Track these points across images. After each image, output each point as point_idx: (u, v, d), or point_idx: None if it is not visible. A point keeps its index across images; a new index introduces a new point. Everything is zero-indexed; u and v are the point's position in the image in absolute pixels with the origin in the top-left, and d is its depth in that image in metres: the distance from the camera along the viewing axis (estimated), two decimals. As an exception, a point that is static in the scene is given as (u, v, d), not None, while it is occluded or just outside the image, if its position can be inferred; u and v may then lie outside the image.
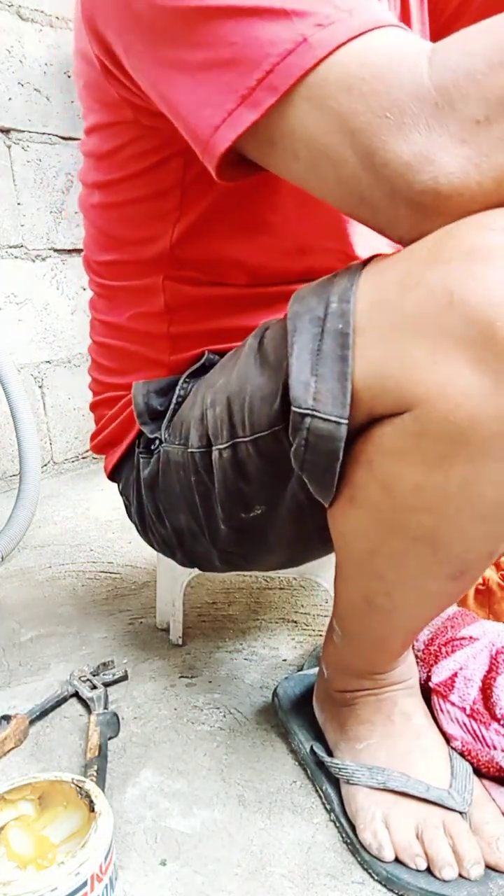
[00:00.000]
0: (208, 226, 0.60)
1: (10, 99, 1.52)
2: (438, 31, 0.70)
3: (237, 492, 0.56)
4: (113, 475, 0.77)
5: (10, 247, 1.59)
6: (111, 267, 0.68)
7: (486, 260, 0.37)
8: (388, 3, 0.63)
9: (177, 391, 0.64)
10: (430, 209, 0.39)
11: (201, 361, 0.64)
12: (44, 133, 1.61)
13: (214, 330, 0.65)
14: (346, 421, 0.42)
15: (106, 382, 0.73)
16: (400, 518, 0.45)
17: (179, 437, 0.61)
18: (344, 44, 0.40)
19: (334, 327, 0.43)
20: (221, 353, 0.63)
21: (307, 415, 0.43)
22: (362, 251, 0.63)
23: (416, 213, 0.40)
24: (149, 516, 0.70)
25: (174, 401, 0.63)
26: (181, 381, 0.64)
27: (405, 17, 0.66)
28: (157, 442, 0.64)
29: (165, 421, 0.64)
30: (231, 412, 0.53)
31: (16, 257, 1.61)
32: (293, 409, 0.44)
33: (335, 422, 0.43)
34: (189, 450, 0.59)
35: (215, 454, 0.56)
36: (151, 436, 0.65)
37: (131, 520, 0.76)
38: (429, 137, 0.38)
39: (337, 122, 0.41)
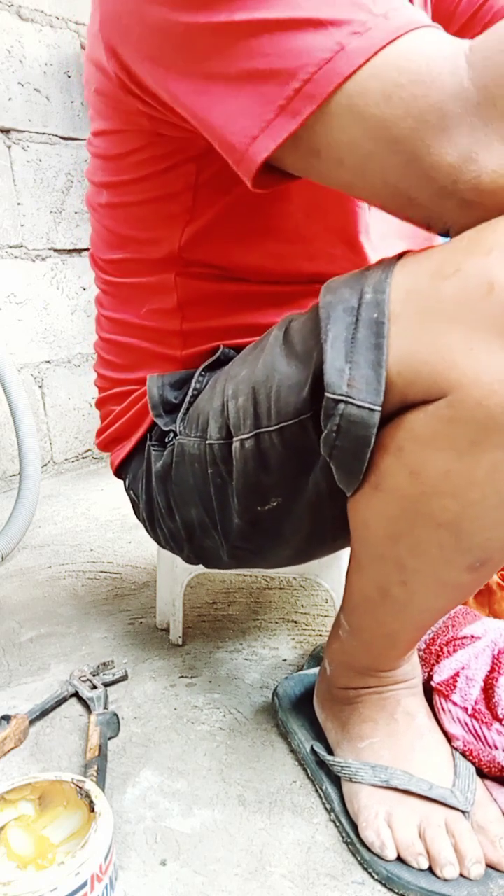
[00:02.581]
0: (217, 230, 0.60)
1: (10, 99, 1.53)
2: None
3: (256, 483, 0.56)
4: (119, 471, 0.76)
5: (10, 247, 1.59)
6: (119, 265, 0.68)
7: None
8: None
9: (192, 384, 0.64)
10: (476, 205, 0.40)
11: (217, 355, 0.64)
12: (44, 133, 1.61)
13: (227, 326, 0.65)
14: (379, 408, 0.43)
15: (114, 378, 0.73)
16: (426, 504, 0.45)
17: (196, 429, 0.61)
18: (381, 49, 0.40)
19: (369, 317, 0.43)
20: (237, 348, 0.63)
21: (341, 401, 0.44)
22: (369, 257, 0.63)
23: (462, 208, 0.41)
24: (158, 511, 0.69)
25: (190, 393, 0.63)
26: (197, 374, 0.64)
27: None
28: (172, 435, 0.64)
29: (181, 413, 0.64)
30: (256, 402, 0.53)
31: (16, 257, 1.61)
32: (327, 394, 0.44)
33: (369, 408, 0.43)
34: (207, 441, 0.59)
35: (236, 445, 0.56)
36: (166, 428, 0.65)
37: (138, 516, 0.76)
38: (472, 137, 0.38)
39: (380, 130, 0.41)
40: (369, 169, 0.43)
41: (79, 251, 1.73)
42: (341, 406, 0.44)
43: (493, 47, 0.38)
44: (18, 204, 1.59)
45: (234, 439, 0.56)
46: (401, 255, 0.46)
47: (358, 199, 0.46)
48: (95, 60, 0.57)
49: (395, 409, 0.44)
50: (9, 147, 1.55)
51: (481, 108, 0.38)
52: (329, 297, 0.46)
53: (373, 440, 0.44)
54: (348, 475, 0.48)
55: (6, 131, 1.54)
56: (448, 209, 0.42)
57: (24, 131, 1.57)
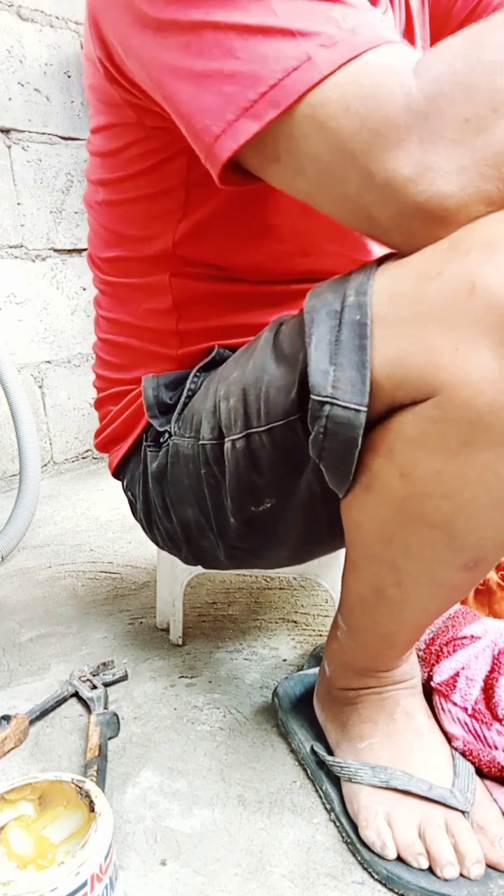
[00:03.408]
0: (212, 227, 0.61)
1: (10, 99, 1.53)
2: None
3: (248, 484, 0.56)
4: (117, 472, 0.77)
5: (10, 247, 1.59)
6: (115, 263, 0.68)
7: None
8: (392, 22, 0.63)
9: (188, 384, 0.64)
10: (440, 216, 0.40)
11: (212, 356, 0.64)
12: (44, 133, 1.61)
13: (222, 326, 0.65)
14: (364, 408, 0.43)
15: (112, 378, 0.74)
16: (418, 505, 0.45)
17: (190, 430, 0.61)
18: (345, 63, 0.41)
19: (352, 318, 0.43)
20: (232, 349, 0.64)
21: (326, 402, 0.44)
22: (363, 254, 0.63)
23: (428, 223, 0.41)
24: (155, 511, 0.70)
25: (185, 394, 0.64)
26: (192, 374, 0.64)
27: (409, 34, 0.67)
28: (167, 435, 0.65)
29: (175, 414, 0.64)
30: (247, 402, 0.53)
31: (16, 257, 1.61)
32: (312, 396, 0.44)
33: (354, 409, 0.43)
34: (200, 442, 0.59)
35: (227, 445, 0.56)
36: (161, 429, 0.65)
37: (135, 516, 0.76)
38: (422, 147, 0.39)
39: (337, 142, 0.42)
40: (328, 181, 0.44)
41: (79, 251, 1.73)
42: (327, 407, 0.44)
43: (437, 56, 0.39)
44: (18, 204, 1.59)
45: (226, 440, 0.56)
46: (383, 259, 0.46)
47: (322, 212, 0.47)
48: (88, 54, 0.57)
49: (384, 411, 0.44)
50: (9, 147, 1.55)
51: (429, 117, 0.39)
52: (313, 301, 0.47)
53: (360, 441, 0.44)
54: (338, 476, 0.48)
55: (6, 131, 1.54)
56: (410, 228, 0.42)
57: (24, 131, 1.57)
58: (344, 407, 0.43)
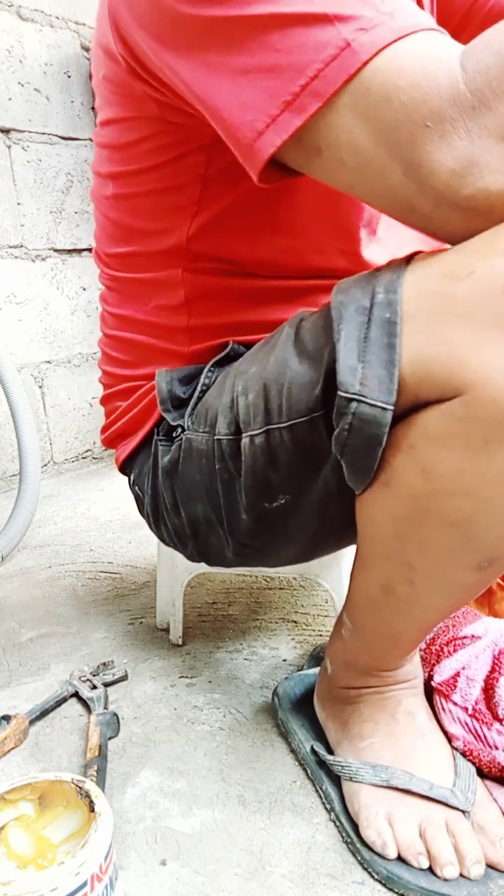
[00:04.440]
0: (226, 223, 0.60)
1: (10, 99, 1.53)
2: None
3: (264, 480, 0.56)
4: (124, 466, 0.76)
5: (10, 247, 1.59)
6: (124, 259, 0.68)
7: None
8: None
9: (202, 379, 0.64)
10: (483, 211, 0.40)
11: (226, 351, 0.64)
12: (44, 133, 1.61)
13: (234, 323, 0.65)
14: (391, 407, 0.43)
15: (120, 375, 0.73)
16: (437, 503, 0.45)
17: (204, 425, 0.60)
18: (385, 47, 0.40)
19: (381, 316, 0.43)
20: (247, 345, 0.63)
21: (354, 399, 0.44)
22: (370, 254, 0.63)
23: (468, 216, 0.41)
24: (163, 506, 0.69)
25: (198, 389, 0.63)
26: (206, 369, 0.64)
27: None
28: (180, 430, 0.64)
29: (189, 408, 0.63)
30: (267, 398, 0.53)
31: (16, 257, 1.61)
32: (339, 393, 0.44)
33: (381, 407, 0.43)
34: (216, 437, 0.59)
35: (245, 441, 0.56)
36: (174, 423, 0.64)
37: (141, 512, 0.75)
38: (470, 141, 0.38)
39: (380, 134, 0.41)
40: (370, 172, 0.43)
41: (79, 251, 1.73)
42: (354, 405, 0.44)
43: (485, 49, 0.39)
44: (18, 204, 1.59)
45: (244, 435, 0.56)
46: (411, 257, 0.46)
47: (362, 202, 0.46)
48: (104, 45, 0.56)
49: (408, 408, 0.44)
50: (9, 147, 1.55)
51: (477, 111, 0.38)
52: (341, 296, 0.46)
53: (385, 439, 0.44)
54: (359, 473, 0.48)
55: (6, 131, 1.54)
56: (450, 219, 0.42)
57: (24, 131, 1.57)
58: (371, 405, 0.43)
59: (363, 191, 0.45)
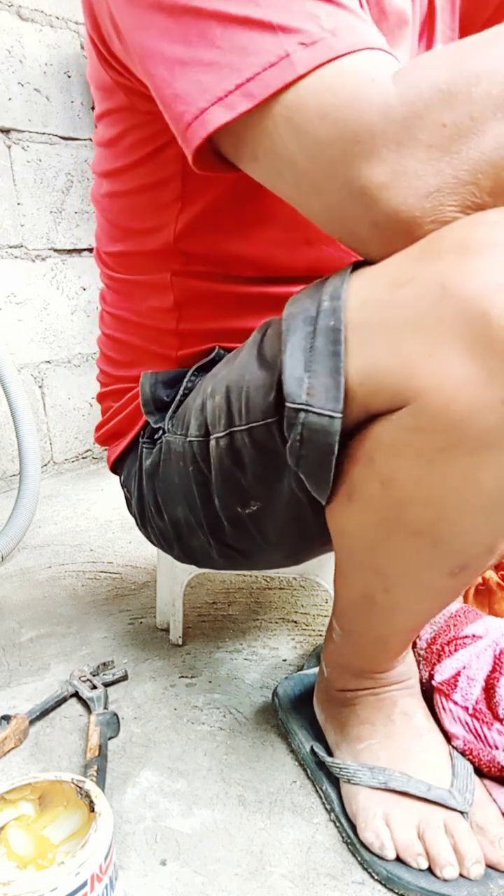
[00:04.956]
0: (213, 218, 0.60)
1: (10, 99, 1.53)
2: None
3: (234, 483, 0.56)
4: (115, 467, 0.77)
5: (10, 247, 1.59)
6: (119, 258, 0.68)
7: (477, 252, 0.37)
8: (415, 6, 0.62)
9: (184, 383, 0.64)
10: (415, 221, 0.40)
11: (211, 356, 0.64)
12: (44, 133, 1.61)
13: (223, 329, 0.65)
14: (339, 415, 0.43)
15: (113, 375, 0.74)
16: (400, 513, 0.45)
17: (181, 427, 0.61)
18: (322, 64, 0.40)
19: (326, 325, 0.43)
20: (230, 351, 0.63)
21: (301, 409, 0.44)
22: None
23: (403, 230, 0.40)
24: (148, 508, 0.70)
25: (180, 392, 0.64)
26: (189, 373, 0.64)
27: (430, 21, 0.66)
28: (161, 432, 0.65)
29: (170, 411, 0.64)
30: (230, 401, 0.53)
31: (16, 257, 1.61)
32: (287, 404, 0.44)
33: (329, 416, 0.43)
34: (188, 439, 0.59)
35: (213, 443, 0.56)
36: (155, 426, 0.65)
37: (131, 512, 0.76)
38: (399, 152, 0.39)
39: (314, 150, 0.41)
40: (306, 187, 0.44)
41: (79, 251, 1.73)
42: (302, 415, 0.44)
43: (418, 66, 0.39)
44: (18, 204, 1.59)
45: (211, 437, 0.56)
46: (358, 263, 0.46)
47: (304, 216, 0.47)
48: (87, 37, 0.57)
49: (362, 420, 0.44)
50: (9, 147, 1.55)
51: (407, 123, 0.38)
52: (291, 308, 0.46)
53: (336, 448, 0.44)
54: (317, 484, 0.48)
55: (6, 131, 1.54)
56: (388, 239, 0.41)
57: (24, 131, 1.57)
58: (318, 414, 0.43)
59: (302, 206, 0.46)
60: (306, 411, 0.43)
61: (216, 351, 0.64)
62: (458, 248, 0.38)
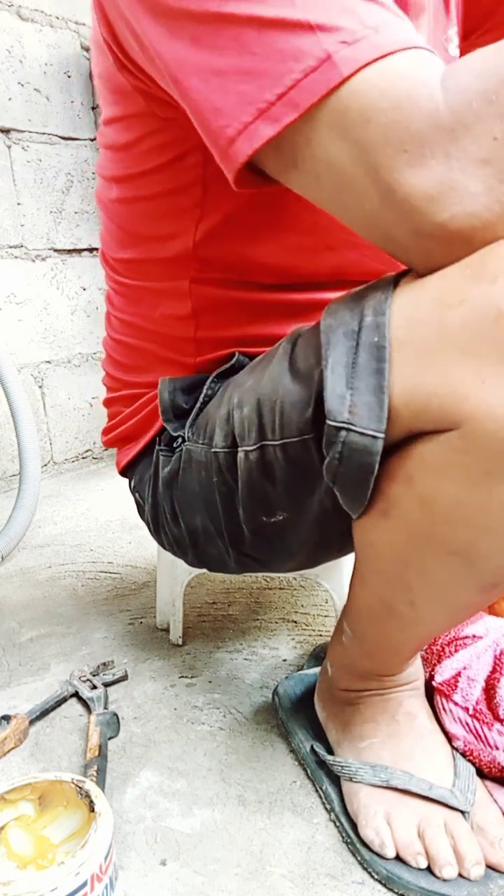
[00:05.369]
0: (234, 226, 0.59)
1: (10, 99, 1.53)
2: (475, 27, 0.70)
3: (262, 494, 0.55)
4: (126, 471, 0.76)
5: (10, 247, 1.59)
6: (131, 265, 0.66)
7: None
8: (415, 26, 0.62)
9: (204, 390, 0.62)
10: (463, 237, 0.38)
11: (231, 362, 0.62)
12: (44, 133, 1.61)
13: (242, 336, 0.64)
14: (382, 435, 0.42)
15: (123, 380, 0.72)
16: (437, 532, 0.44)
17: (203, 436, 0.60)
18: (367, 65, 0.38)
19: (369, 340, 0.42)
20: (252, 356, 0.62)
21: (343, 428, 0.43)
22: None
23: (449, 244, 0.39)
24: (163, 515, 0.69)
25: (200, 399, 0.62)
26: (209, 380, 0.63)
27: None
28: (180, 440, 0.63)
29: (190, 419, 0.63)
30: (261, 414, 0.52)
31: (16, 257, 1.61)
32: (328, 422, 0.43)
33: (372, 436, 0.42)
34: (213, 449, 0.58)
35: (241, 455, 0.55)
36: (175, 433, 0.64)
37: (142, 518, 0.75)
38: (448, 164, 0.37)
39: (358, 154, 0.40)
40: (346, 193, 0.42)
41: (79, 251, 1.73)
42: (343, 433, 0.43)
43: (467, 71, 0.38)
44: (18, 204, 1.59)
45: (240, 449, 0.55)
46: (399, 276, 0.44)
47: (342, 222, 0.46)
48: (95, 40, 0.56)
49: (401, 438, 0.43)
50: (9, 147, 1.55)
51: (456, 134, 0.37)
52: (329, 319, 0.45)
53: (376, 467, 0.43)
54: (353, 501, 0.47)
55: (6, 131, 1.54)
56: (429, 248, 0.40)
57: (24, 131, 1.57)
58: (361, 433, 0.42)
59: (341, 211, 0.44)
60: (348, 430, 0.42)
61: (236, 357, 0.63)
62: None
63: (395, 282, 0.44)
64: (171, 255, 0.62)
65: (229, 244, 0.60)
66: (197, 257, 0.61)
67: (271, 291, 0.62)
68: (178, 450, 0.64)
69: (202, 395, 0.63)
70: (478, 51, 0.39)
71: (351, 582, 0.56)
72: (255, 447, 0.53)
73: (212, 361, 0.65)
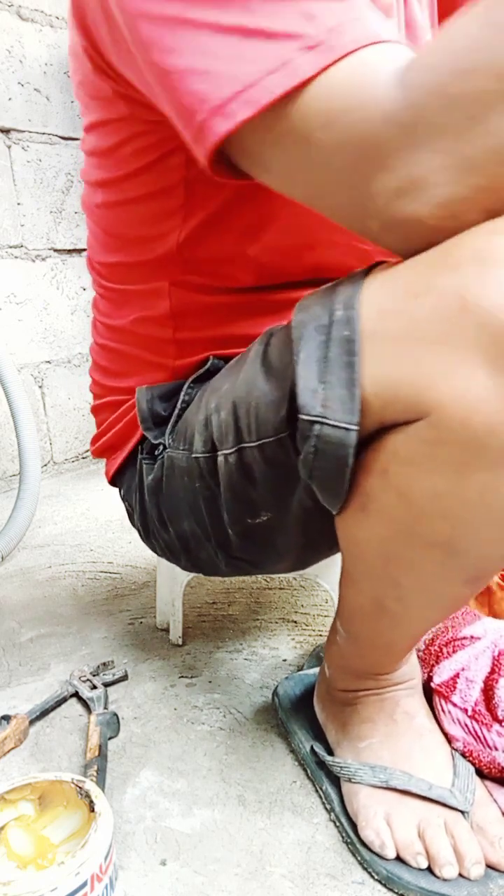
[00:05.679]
0: (217, 225, 0.59)
1: (10, 99, 1.53)
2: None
3: (244, 496, 0.56)
4: (114, 481, 0.76)
5: (10, 247, 1.59)
6: (115, 269, 0.67)
7: (498, 263, 0.36)
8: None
9: (181, 396, 0.63)
10: (434, 226, 0.39)
11: (206, 367, 0.63)
12: (44, 133, 1.61)
13: (220, 336, 0.64)
14: (355, 427, 0.42)
15: (108, 386, 0.73)
16: (416, 525, 0.45)
17: (184, 443, 0.60)
18: (326, 68, 0.39)
19: (340, 334, 0.42)
20: (227, 359, 0.63)
21: (316, 422, 0.43)
22: (368, 243, 0.63)
23: (418, 236, 0.40)
24: (152, 522, 0.69)
25: (178, 406, 0.63)
26: (186, 386, 0.63)
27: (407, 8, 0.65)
28: (161, 447, 0.64)
29: (169, 426, 0.63)
30: (237, 417, 0.52)
31: (16, 257, 1.61)
32: (301, 416, 0.43)
33: (345, 428, 0.42)
34: (193, 455, 0.58)
35: (220, 459, 0.55)
36: (155, 441, 0.64)
37: (134, 526, 0.75)
38: (408, 160, 0.38)
39: (323, 158, 0.41)
40: (321, 193, 0.43)
41: (79, 251, 1.73)
42: (317, 427, 0.43)
43: (421, 64, 0.38)
44: (18, 204, 1.59)
45: (219, 453, 0.55)
46: (370, 269, 0.45)
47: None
48: (73, 48, 0.57)
49: (374, 430, 0.44)
50: (9, 147, 1.55)
51: (414, 129, 0.37)
52: (301, 315, 0.45)
53: (351, 460, 0.43)
54: (331, 496, 0.47)
55: (6, 131, 1.54)
56: (401, 240, 0.41)
57: (24, 131, 1.57)
58: (334, 426, 0.42)
59: (320, 208, 0.45)
60: (321, 423, 0.43)
61: (210, 361, 0.63)
62: (479, 259, 0.37)
63: (366, 274, 0.44)
64: (154, 256, 0.63)
65: (213, 244, 0.60)
66: (181, 258, 0.61)
67: (250, 292, 0.63)
68: (160, 457, 0.64)
69: (180, 402, 0.63)
70: (432, 40, 0.38)
71: (340, 584, 0.56)
72: (233, 450, 0.53)
73: (193, 364, 0.65)
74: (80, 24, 0.52)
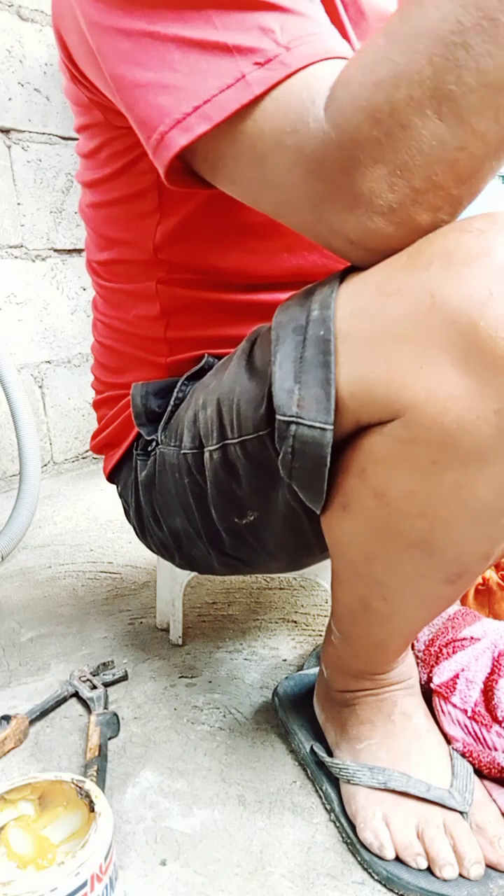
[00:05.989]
0: (192, 229, 0.60)
1: (10, 99, 1.53)
2: None
3: (230, 494, 0.56)
4: (112, 477, 0.77)
5: (10, 247, 1.59)
6: (108, 267, 0.68)
7: (465, 261, 0.37)
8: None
9: (175, 393, 0.64)
10: (390, 236, 0.40)
11: (201, 364, 0.64)
12: (44, 133, 1.61)
13: (211, 337, 0.65)
14: (331, 426, 0.42)
15: (107, 382, 0.74)
16: (395, 524, 0.45)
17: (175, 439, 0.61)
18: (277, 84, 0.40)
19: (316, 334, 0.43)
20: (221, 357, 0.63)
21: (292, 422, 0.43)
22: None
23: (379, 244, 0.41)
24: (146, 519, 0.70)
25: (172, 403, 0.64)
26: (180, 383, 0.64)
27: None
28: (154, 444, 0.65)
29: (163, 423, 0.64)
30: (221, 413, 0.53)
31: (16, 257, 1.61)
32: (278, 417, 0.44)
33: (320, 428, 0.42)
34: (182, 451, 0.59)
35: (206, 455, 0.56)
36: (148, 437, 0.65)
37: (130, 522, 0.76)
38: (350, 177, 0.38)
39: (280, 177, 0.41)
40: (283, 212, 0.44)
41: (79, 251, 1.73)
42: (293, 427, 0.43)
43: (342, 80, 0.38)
44: (18, 204, 1.59)
45: (205, 449, 0.56)
46: (347, 271, 0.45)
47: None
48: (59, 55, 0.58)
49: (351, 431, 0.44)
50: (9, 147, 1.55)
51: (345, 148, 0.38)
52: (280, 316, 0.46)
53: (328, 459, 0.44)
54: (311, 495, 0.47)
55: (6, 131, 1.54)
56: (367, 247, 0.41)
57: (24, 131, 1.57)
58: (310, 426, 0.43)
59: (287, 223, 0.45)
60: (297, 423, 0.43)
61: (205, 359, 0.64)
62: (446, 258, 0.37)
63: (343, 276, 0.45)
64: (138, 257, 0.64)
65: (189, 247, 0.61)
66: (159, 260, 0.62)
67: (238, 292, 0.63)
68: (152, 453, 0.65)
69: (173, 399, 0.64)
70: (356, 54, 0.39)
71: (331, 585, 0.57)
72: (217, 446, 0.54)
73: (184, 361, 0.66)
74: (58, 35, 0.54)
